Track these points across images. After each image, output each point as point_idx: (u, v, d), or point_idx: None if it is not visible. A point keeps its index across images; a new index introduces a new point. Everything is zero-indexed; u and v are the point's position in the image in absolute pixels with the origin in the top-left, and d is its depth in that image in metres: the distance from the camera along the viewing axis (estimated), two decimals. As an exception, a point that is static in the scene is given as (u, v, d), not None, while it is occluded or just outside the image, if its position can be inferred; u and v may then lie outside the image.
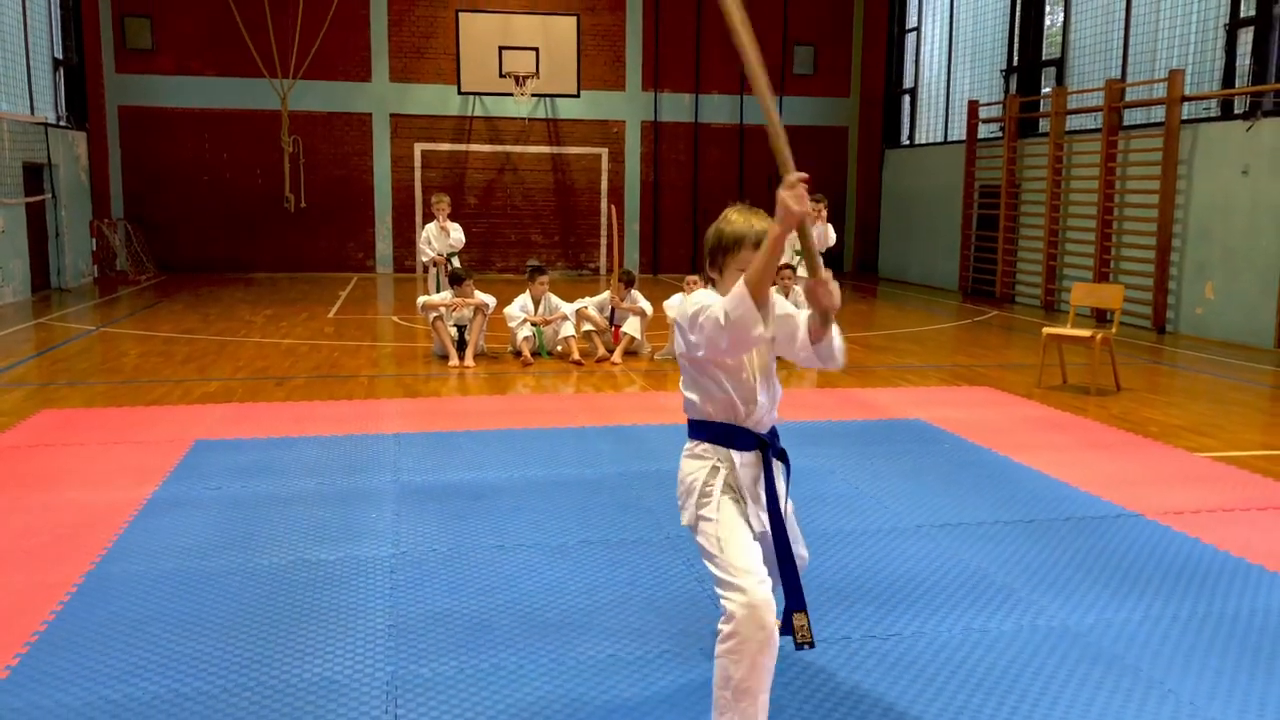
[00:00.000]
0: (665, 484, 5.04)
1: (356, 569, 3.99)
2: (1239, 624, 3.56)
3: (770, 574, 2.58)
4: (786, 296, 9.49)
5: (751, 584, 2.48)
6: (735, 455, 2.67)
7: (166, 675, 3.11)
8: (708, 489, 2.66)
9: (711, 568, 2.58)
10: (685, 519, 2.71)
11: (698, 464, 2.70)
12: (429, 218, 12.69)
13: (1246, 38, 10.99)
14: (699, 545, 2.65)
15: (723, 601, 2.51)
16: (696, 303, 2.56)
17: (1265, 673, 3.20)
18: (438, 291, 10.28)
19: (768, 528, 2.66)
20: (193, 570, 3.95)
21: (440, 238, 10.93)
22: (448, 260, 10.84)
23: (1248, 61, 10.97)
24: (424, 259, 11.35)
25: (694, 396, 2.69)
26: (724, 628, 2.49)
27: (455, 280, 9.25)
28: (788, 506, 2.81)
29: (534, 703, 2.96)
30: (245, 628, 3.45)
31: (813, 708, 2.95)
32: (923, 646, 3.36)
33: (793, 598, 2.64)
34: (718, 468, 2.67)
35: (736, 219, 2.66)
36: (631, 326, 9.42)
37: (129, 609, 3.58)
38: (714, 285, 2.71)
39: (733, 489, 2.67)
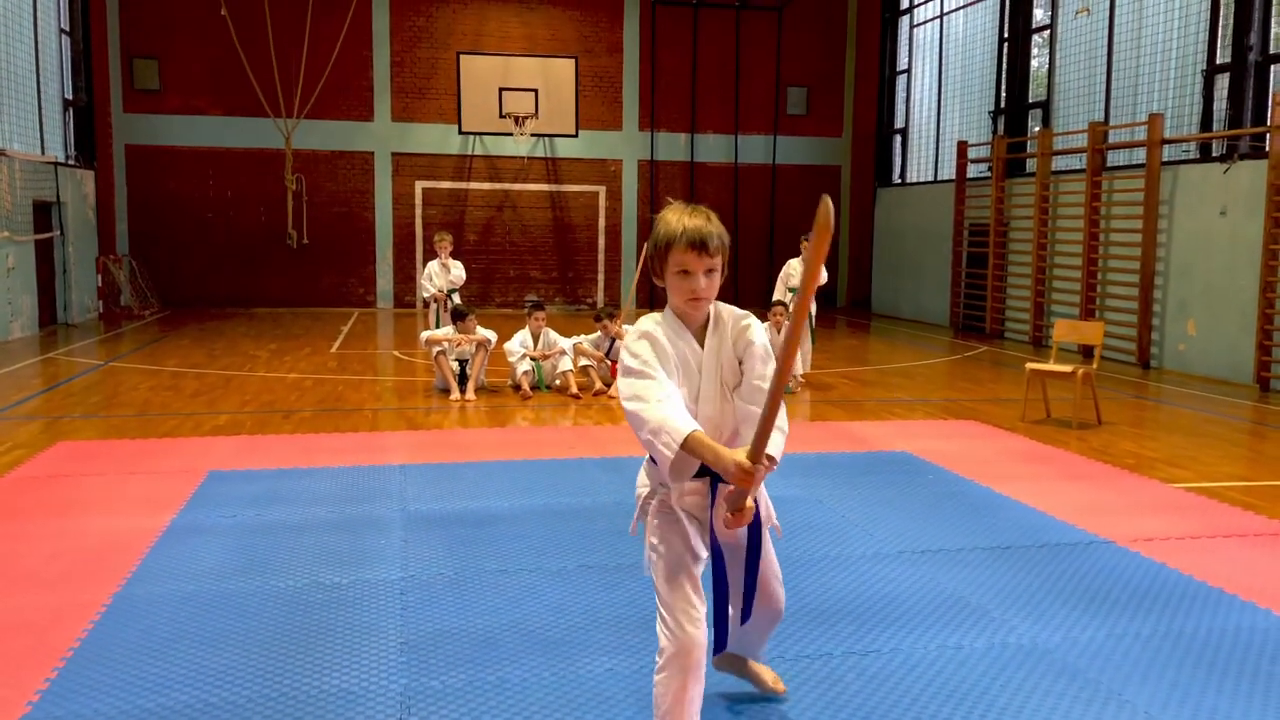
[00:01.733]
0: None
1: (368, 591, 4.23)
2: (1196, 641, 3.81)
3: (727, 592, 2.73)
4: (779, 333, 9.79)
5: (680, 622, 2.55)
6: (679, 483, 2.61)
7: (196, 687, 3.34)
8: (647, 507, 2.70)
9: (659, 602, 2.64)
10: (634, 529, 2.78)
11: (645, 478, 2.73)
12: (430, 254, 13.04)
13: (1223, 83, 11.38)
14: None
15: (657, 628, 2.61)
16: (635, 353, 2.52)
17: (1217, 686, 3.44)
18: (439, 327, 10.56)
19: (707, 554, 2.67)
20: (214, 592, 4.19)
21: (442, 274, 11.24)
22: (448, 296, 11.11)
23: (1224, 106, 11.35)
24: (424, 295, 11.62)
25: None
26: (658, 658, 2.60)
27: (458, 316, 9.52)
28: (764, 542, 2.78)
29: (538, 712, 3.19)
30: (266, 644, 3.68)
31: (796, 715, 3.19)
32: (899, 662, 3.60)
33: (720, 639, 2.74)
34: (658, 489, 2.68)
35: (671, 218, 2.57)
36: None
37: (157, 627, 3.82)
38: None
39: (672, 510, 2.66)
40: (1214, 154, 11.50)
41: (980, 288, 15.88)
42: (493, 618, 3.96)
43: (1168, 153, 12.02)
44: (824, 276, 10.62)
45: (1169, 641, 3.81)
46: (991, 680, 3.45)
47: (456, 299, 11.08)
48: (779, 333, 9.82)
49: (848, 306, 20.10)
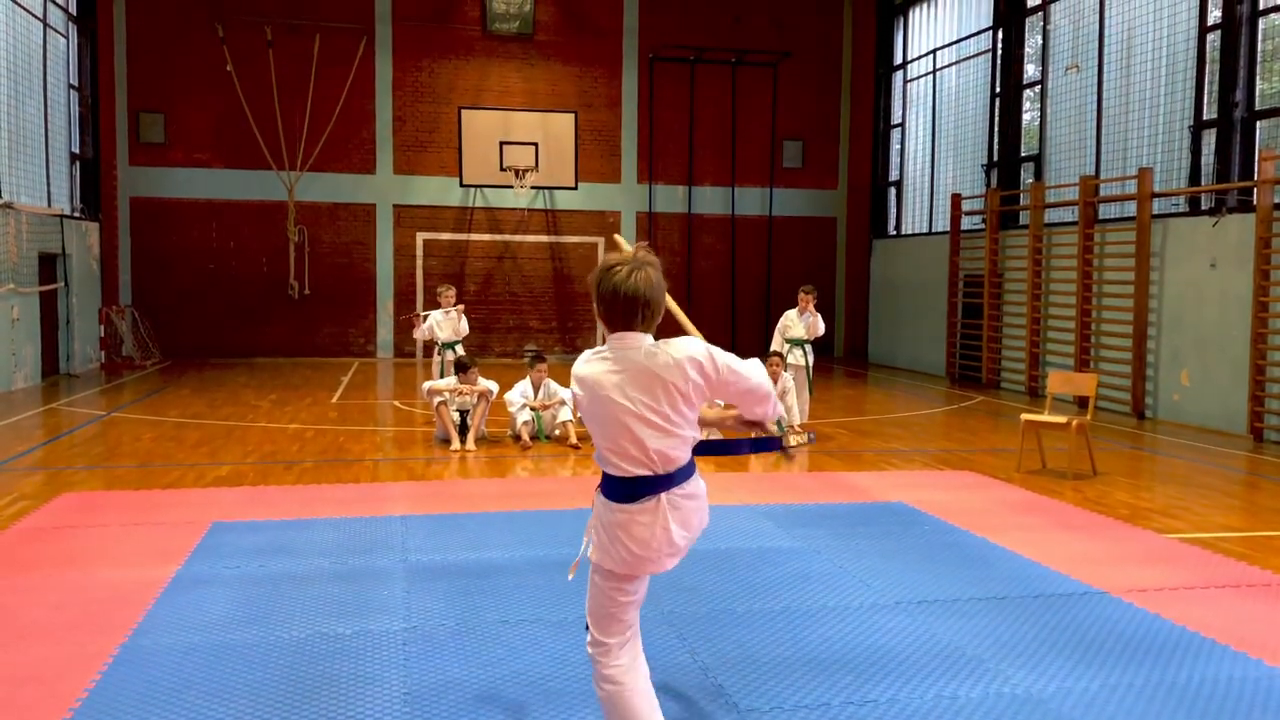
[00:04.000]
0: (660, 563, 5.36)
1: (371, 642, 4.28)
2: (1189, 692, 3.86)
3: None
4: (775, 383, 9.89)
5: (599, 655, 2.90)
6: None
7: (202, 738, 3.39)
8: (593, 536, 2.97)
9: None
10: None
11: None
12: (431, 305, 13.16)
13: (1210, 138, 11.60)
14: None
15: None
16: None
17: (1209, 735, 3.49)
18: (442, 376, 10.63)
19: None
20: (219, 643, 4.24)
21: (446, 323, 11.12)
22: (451, 348, 11.07)
23: (1212, 161, 11.57)
24: (416, 334, 11.49)
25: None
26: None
27: (461, 368, 9.62)
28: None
29: (540, 762, 3.24)
30: (270, 695, 3.73)
31: (794, 766, 3.24)
32: (896, 712, 3.65)
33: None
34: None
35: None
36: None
37: (163, 678, 3.87)
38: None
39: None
40: (1203, 207, 11.70)
41: (976, 338, 16.03)
42: (495, 669, 4.01)
43: (1158, 206, 12.22)
44: (820, 327, 10.74)
45: (1162, 691, 3.86)
46: (987, 730, 3.51)
47: (460, 350, 11.10)
48: (775, 383, 9.93)
49: (845, 356, 20.23)
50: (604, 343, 2.84)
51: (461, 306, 11.31)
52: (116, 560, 5.46)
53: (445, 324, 11.17)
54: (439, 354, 11.30)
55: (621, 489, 2.79)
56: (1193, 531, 6.51)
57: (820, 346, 11.15)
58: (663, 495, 2.79)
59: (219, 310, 18.22)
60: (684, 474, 2.84)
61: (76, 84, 16.18)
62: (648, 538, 2.79)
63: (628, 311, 2.74)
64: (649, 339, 2.79)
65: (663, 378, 2.72)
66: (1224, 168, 11.36)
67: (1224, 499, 7.64)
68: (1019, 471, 8.47)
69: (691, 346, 2.77)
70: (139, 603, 4.73)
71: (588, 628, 2.91)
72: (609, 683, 2.86)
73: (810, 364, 10.78)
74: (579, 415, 9.76)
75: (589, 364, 2.80)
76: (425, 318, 11.24)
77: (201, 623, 4.49)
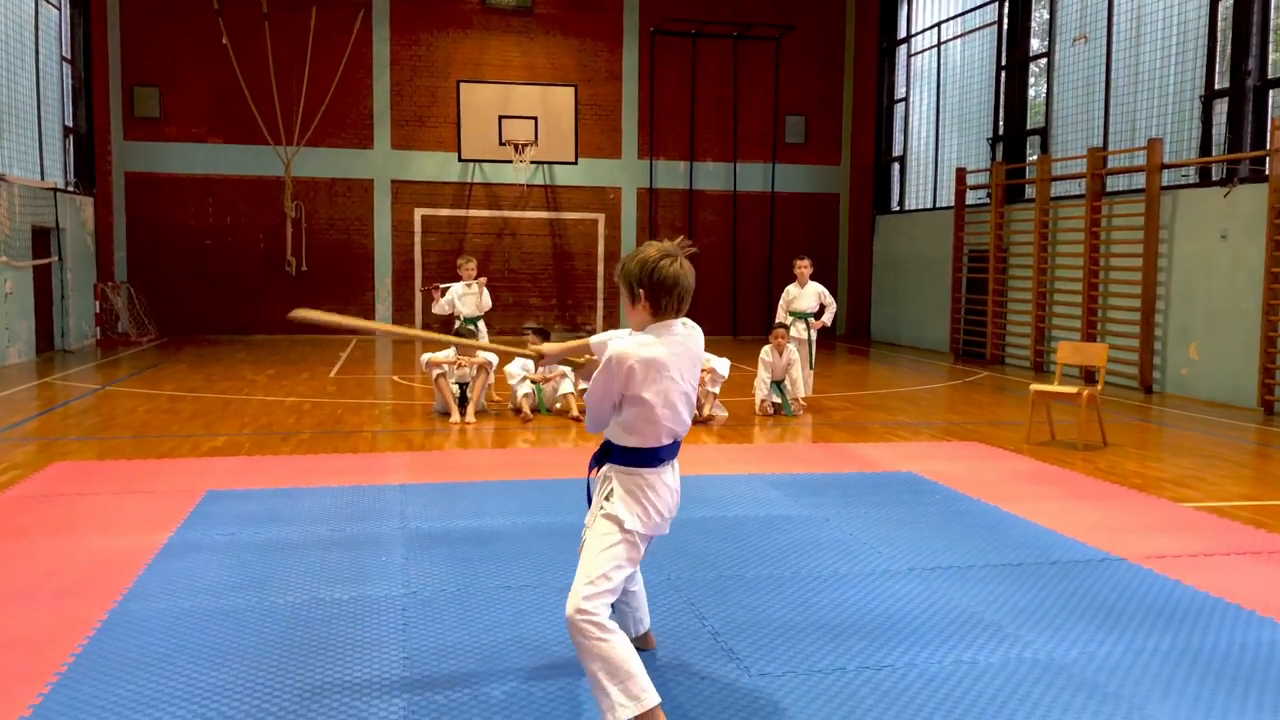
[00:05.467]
0: (665, 529, 5.22)
1: (370, 607, 4.15)
2: (1216, 656, 3.73)
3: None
4: (780, 355, 9.75)
5: (596, 611, 2.97)
6: None
7: (191, 703, 3.25)
8: None
9: None
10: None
11: None
12: (430, 282, 12.90)
13: (1222, 108, 11.42)
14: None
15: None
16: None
17: (1240, 700, 3.36)
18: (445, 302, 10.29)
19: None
20: (211, 608, 4.10)
21: (469, 298, 10.47)
22: (473, 325, 10.41)
23: (1223, 130, 11.38)
24: (436, 308, 10.62)
25: None
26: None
27: (459, 332, 9.46)
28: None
29: (544, 726, 3.11)
30: (265, 660, 3.59)
31: (810, 730, 3.10)
32: (914, 677, 3.52)
33: None
34: None
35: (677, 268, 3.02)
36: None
37: (152, 643, 3.73)
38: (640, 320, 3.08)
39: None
40: (1214, 178, 11.52)
41: (980, 314, 15.86)
42: (496, 633, 3.87)
43: (1167, 177, 12.04)
44: (831, 302, 10.57)
45: (1189, 657, 3.73)
46: (1009, 695, 3.37)
47: (482, 326, 10.56)
48: (780, 355, 9.79)
49: (847, 334, 20.06)
50: (617, 324, 2.99)
51: (483, 280, 10.63)
52: (107, 527, 5.32)
53: (468, 299, 10.48)
54: (457, 331, 10.53)
55: (653, 456, 3.05)
56: (1207, 500, 6.38)
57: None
58: (675, 459, 3.16)
59: (216, 287, 18.03)
60: None
61: (70, 57, 15.94)
62: (669, 497, 3.10)
63: (682, 298, 3.03)
64: (680, 323, 3.08)
65: (697, 358, 3.12)
66: (1236, 138, 11.17)
67: (1237, 469, 7.50)
68: (1028, 443, 8.33)
69: (699, 336, 3.19)
70: (130, 569, 4.59)
71: (582, 597, 2.92)
72: (606, 632, 2.91)
73: (813, 338, 10.64)
74: (580, 388, 9.64)
75: (651, 347, 2.96)
76: (445, 290, 10.61)
77: (194, 588, 4.35)
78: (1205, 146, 11.62)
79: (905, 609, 4.21)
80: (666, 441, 3.06)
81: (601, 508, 3.08)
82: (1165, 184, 11.98)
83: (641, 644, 3.58)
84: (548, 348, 3.64)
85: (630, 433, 3.03)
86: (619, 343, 2.98)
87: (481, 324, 10.60)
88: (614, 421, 3.06)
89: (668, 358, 2.97)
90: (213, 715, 3.15)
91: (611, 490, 3.06)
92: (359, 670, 3.51)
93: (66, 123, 15.80)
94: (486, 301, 10.56)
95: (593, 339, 3.45)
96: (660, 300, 2.99)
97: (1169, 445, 8.61)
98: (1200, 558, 5.03)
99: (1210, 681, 3.50)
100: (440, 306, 10.56)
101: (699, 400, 9.16)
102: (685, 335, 3.06)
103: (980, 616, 4.13)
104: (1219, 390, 11.09)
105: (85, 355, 14.52)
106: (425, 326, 18.59)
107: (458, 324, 10.46)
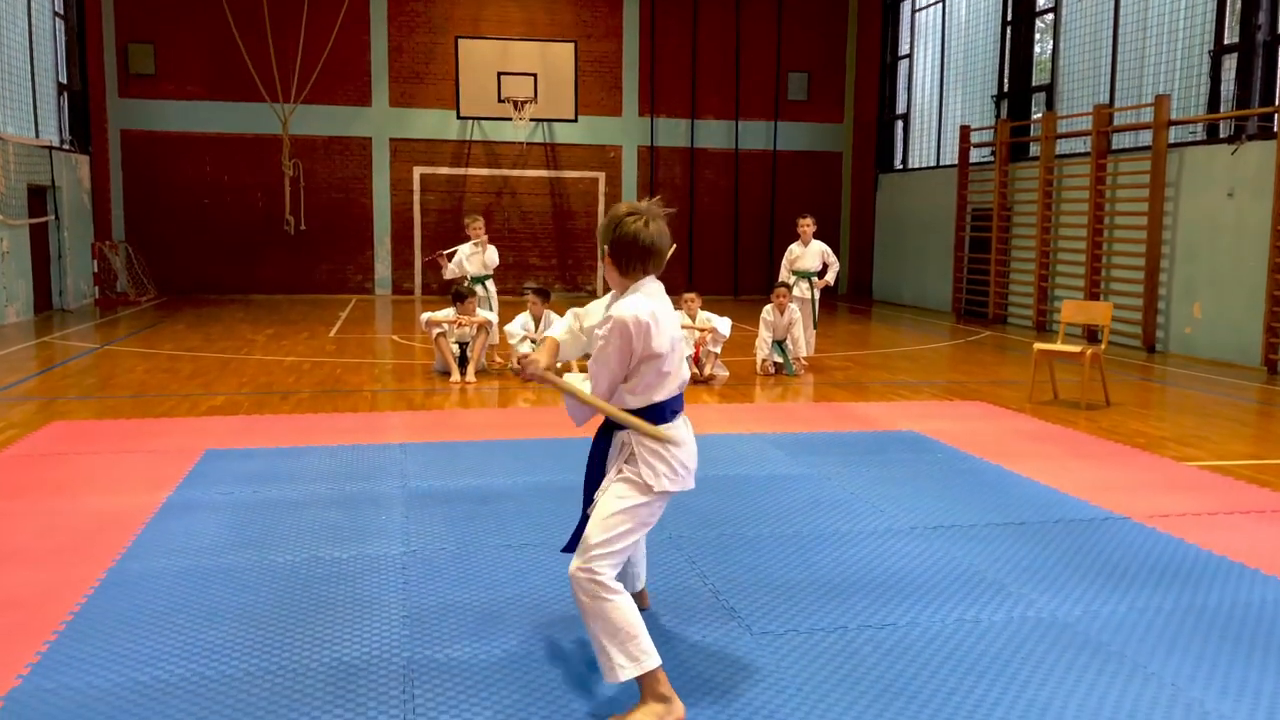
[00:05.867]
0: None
1: (369, 565, 4.12)
2: (1220, 615, 3.71)
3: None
4: (782, 314, 9.69)
5: (605, 571, 2.93)
6: None
7: (190, 660, 3.23)
8: None
9: None
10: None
11: None
12: (429, 240, 12.73)
13: (1231, 63, 11.25)
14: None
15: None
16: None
17: (1245, 658, 3.34)
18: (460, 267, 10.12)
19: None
20: (210, 567, 4.08)
21: (475, 257, 10.32)
22: (481, 284, 10.25)
23: (1232, 86, 11.23)
24: (446, 275, 10.53)
25: None
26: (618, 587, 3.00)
27: (458, 298, 9.39)
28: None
29: (545, 685, 3.09)
30: (263, 618, 3.57)
31: (812, 689, 3.08)
32: (916, 635, 3.50)
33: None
34: None
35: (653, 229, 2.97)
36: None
37: (151, 602, 3.71)
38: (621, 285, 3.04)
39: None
40: (1221, 135, 11.39)
41: (983, 273, 15.77)
42: (497, 591, 3.85)
43: (1174, 134, 11.90)
44: (834, 261, 10.48)
45: (1192, 615, 3.70)
46: (1013, 653, 3.35)
47: (491, 286, 10.37)
48: (781, 314, 9.72)
49: (849, 293, 19.97)
50: (610, 286, 3.09)
51: (485, 237, 10.40)
52: (106, 487, 5.29)
53: (474, 258, 10.30)
54: (457, 292, 10.43)
55: (668, 409, 3.03)
56: (1211, 459, 6.34)
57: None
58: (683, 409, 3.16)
59: (214, 246, 17.92)
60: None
61: (62, 12, 15.71)
62: (691, 446, 3.10)
63: (645, 258, 2.97)
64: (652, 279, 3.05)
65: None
66: (1244, 94, 11.03)
67: (1241, 428, 7.47)
68: (1031, 402, 8.29)
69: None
70: (128, 528, 4.57)
71: (591, 557, 2.89)
72: (611, 592, 2.87)
73: (816, 297, 10.57)
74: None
75: (649, 301, 2.95)
76: (452, 255, 10.41)
77: (192, 547, 4.33)
78: (1213, 103, 11.47)
79: (908, 567, 4.19)
80: (677, 391, 3.05)
81: (620, 471, 3.02)
82: (1172, 141, 11.84)
83: (636, 601, 3.54)
84: (531, 368, 3.23)
85: (642, 392, 2.98)
86: (623, 309, 2.90)
87: (490, 284, 10.39)
88: (622, 390, 3.00)
89: (661, 311, 2.99)
90: (210, 674, 3.14)
91: (632, 454, 3.01)
92: (358, 629, 3.49)
93: (60, 80, 15.60)
94: (492, 259, 10.35)
95: (575, 311, 3.39)
96: (621, 259, 2.97)
97: (1172, 404, 8.58)
98: (1204, 516, 5.00)
99: (1214, 640, 3.48)
100: (450, 271, 10.38)
101: (700, 360, 9.12)
102: (662, 290, 3.07)
103: (983, 575, 4.11)
104: (1222, 349, 11.03)
105: (84, 315, 14.46)
106: (424, 289, 18.53)
107: (466, 282, 10.20)
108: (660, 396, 3.01)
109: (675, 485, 3.01)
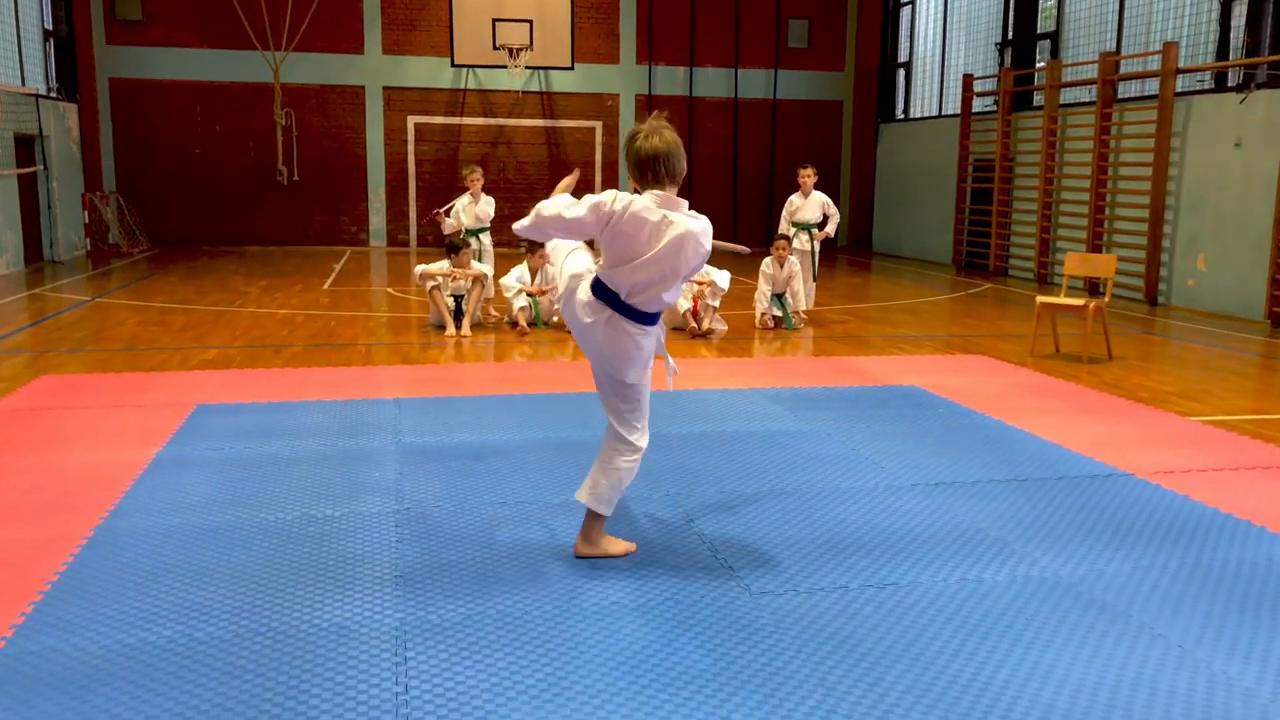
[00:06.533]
0: (661, 446, 5.12)
1: (362, 523, 4.06)
2: (1227, 574, 3.65)
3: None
4: (782, 266, 9.56)
5: (640, 443, 3.64)
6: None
7: (179, 622, 3.16)
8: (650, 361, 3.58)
9: (633, 413, 3.59)
10: (635, 378, 3.52)
11: (653, 340, 3.52)
12: (424, 193, 12.50)
13: (1241, 10, 11.02)
14: (629, 395, 3.55)
15: (637, 439, 3.61)
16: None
17: (1252, 618, 3.28)
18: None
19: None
20: (200, 525, 4.01)
21: (469, 209, 10.02)
22: (475, 236, 10.02)
23: (1242, 34, 11.00)
24: (446, 231, 10.21)
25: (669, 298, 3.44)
26: (631, 450, 3.60)
27: (452, 250, 9.26)
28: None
29: (540, 645, 3.03)
30: (254, 578, 3.50)
31: (812, 650, 3.02)
32: (918, 595, 3.44)
33: None
34: (660, 341, 3.59)
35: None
36: None
37: (139, 560, 3.64)
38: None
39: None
40: (1230, 84, 11.18)
41: (984, 225, 15.61)
42: (491, 550, 3.79)
43: (1182, 83, 11.69)
44: (834, 212, 10.32)
45: (1199, 574, 3.65)
46: (1016, 614, 3.29)
47: (486, 240, 10.14)
48: (782, 267, 9.60)
49: (848, 245, 19.79)
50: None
51: (480, 188, 10.02)
52: (95, 442, 5.21)
53: (469, 210, 9.99)
54: (450, 245, 10.18)
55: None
56: (1215, 414, 6.27)
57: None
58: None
59: (207, 197, 17.70)
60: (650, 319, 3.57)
61: (47, -45, 15.36)
62: (574, 320, 3.58)
63: (656, 169, 3.36)
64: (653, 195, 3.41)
65: (671, 237, 3.41)
66: (1254, 41, 10.81)
67: (1245, 382, 7.40)
68: (1032, 355, 8.20)
69: (690, 223, 3.41)
70: (116, 485, 4.49)
71: (626, 438, 3.59)
72: (639, 456, 3.61)
73: (816, 249, 10.44)
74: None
75: (640, 199, 3.39)
76: (449, 211, 10.08)
77: (181, 505, 4.25)
78: (1223, 50, 11.26)
79: (909, 525, 4.13)
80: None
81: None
82: (1179, 90, 11.63)
83: None
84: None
85: (657, 302, 3.48)
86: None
87: (485, 237, 10.14)
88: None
89: (642, 206, 3.33)
90: (200, 635, 3.07)
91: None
92: (350, 589, 3.42)
93: (46, 26, 15.30)
94: (484, 210, 10.05)
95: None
96: (641, 175, 3.39)
97: (1175, 358, 8.49)
98: (1209, 472, 4.94)
99: (1221, 599, 3.42)
100: (449, 226, 10.08)
101: (698, 313, 9.01)
102: (667, 198, 3.34)
103: (985, 533, 4.04)
104: (1225, 302, 10.93)
105: (75, 266, 14.31)
106: (420, 241, 18.34)
107: (462, 234, 9.98)
108: (651, 307, 3.46)
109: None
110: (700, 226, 3.32)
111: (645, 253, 3.30)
